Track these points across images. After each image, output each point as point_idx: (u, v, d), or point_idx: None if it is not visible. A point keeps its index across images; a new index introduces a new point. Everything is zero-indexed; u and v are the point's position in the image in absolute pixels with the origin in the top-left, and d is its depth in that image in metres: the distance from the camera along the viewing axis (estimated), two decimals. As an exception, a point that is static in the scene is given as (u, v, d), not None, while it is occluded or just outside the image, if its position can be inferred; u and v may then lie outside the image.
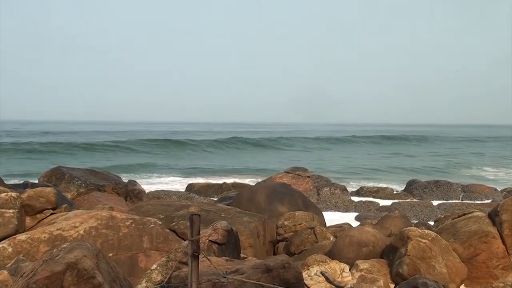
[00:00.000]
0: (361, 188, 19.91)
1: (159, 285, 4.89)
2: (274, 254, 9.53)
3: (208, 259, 4.29)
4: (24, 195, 7.45)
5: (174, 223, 7.68)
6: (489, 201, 17.02)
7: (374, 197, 18.39)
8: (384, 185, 20.99)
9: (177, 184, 22.90)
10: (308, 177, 18.09)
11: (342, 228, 10.48)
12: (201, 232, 4.85)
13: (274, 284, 4.27)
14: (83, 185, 12.72)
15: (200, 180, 24.20)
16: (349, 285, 6.57)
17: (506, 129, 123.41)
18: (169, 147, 42.51)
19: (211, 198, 16.11)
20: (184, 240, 6.77)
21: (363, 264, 7.02)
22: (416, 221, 13.23)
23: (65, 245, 4.06)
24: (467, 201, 17.06)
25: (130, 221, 7.10)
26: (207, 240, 5.72)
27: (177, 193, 16.95)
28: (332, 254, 7.67)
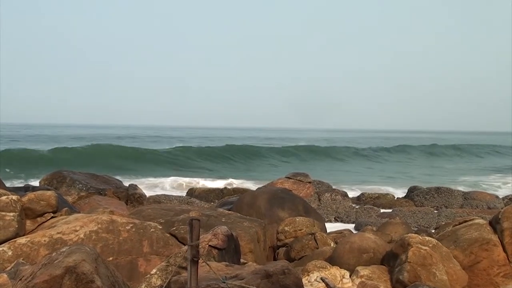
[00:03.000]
0: (362, 194, 19.84)
1: (158, 290, 4.88)
2: (274, 259, 9.51)
3: (208, 264, 4.28)
4: (25, 198, 7.45)
5: (174, 228, 7.67)
6: (490, 208, 16.94)
7: (375, 203, 18.32)
8: (385, 192, 20.92)
9: (178, 188, 22.88)
10: (309, 182, 18.05)
11: (343, 234, 10.45)
12: (201, 237, 4.85)
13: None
14: (84, 188, 12.74)
15: (201, 185, 24.19)
16: (349, 292, 6.55)
17: (506, 136, 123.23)
18: (170, 151, 42.50)
19: (213, 203, 16.08)
20: (184, 245, 6.76)
21: (364, 271, 7.00)
22: (416, 228, 13.20)
23: (64, 249, 4.06)
24: (468, 208, 16.97)
25: (131, 225, 7.10)
26: (207, 245, 5.71)
27: (178, 198, 16.90)
28: (333, 260, 7.65)
